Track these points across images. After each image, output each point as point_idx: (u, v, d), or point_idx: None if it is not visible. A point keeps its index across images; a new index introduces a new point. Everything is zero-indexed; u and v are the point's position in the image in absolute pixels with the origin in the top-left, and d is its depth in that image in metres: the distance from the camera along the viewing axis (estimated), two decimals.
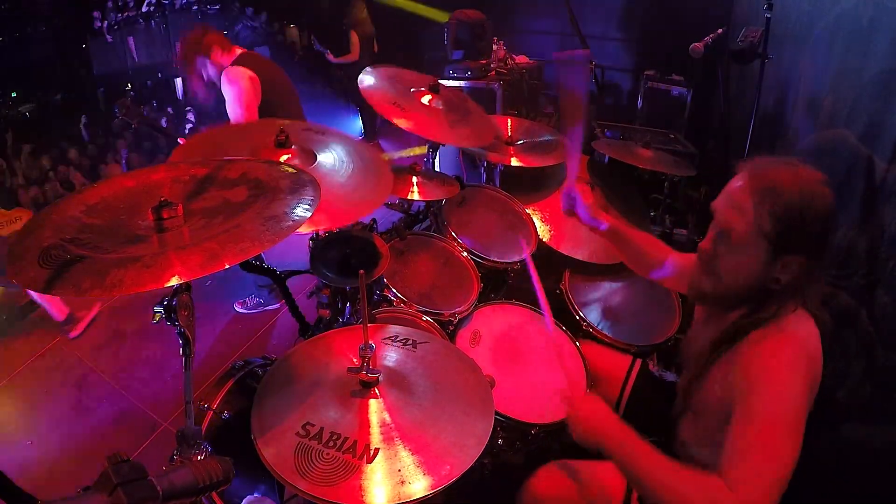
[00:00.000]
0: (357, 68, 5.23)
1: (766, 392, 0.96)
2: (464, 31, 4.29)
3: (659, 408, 1.47)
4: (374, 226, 1.89)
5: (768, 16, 2.09)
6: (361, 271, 1.08)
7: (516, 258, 2.01)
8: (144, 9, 6.61)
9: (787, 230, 1.00)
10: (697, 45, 2.42)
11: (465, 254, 1.95)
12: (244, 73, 2.43)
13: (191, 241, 0.92)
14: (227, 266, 0.86)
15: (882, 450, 1.42)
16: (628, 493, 1.26)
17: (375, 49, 5.60)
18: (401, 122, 1.89)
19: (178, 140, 2.51)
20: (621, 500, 1.26)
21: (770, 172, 1.03)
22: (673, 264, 1.49)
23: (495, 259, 1.97)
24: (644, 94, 3.77)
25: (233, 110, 2.43)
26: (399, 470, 0.96)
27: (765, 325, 1.04)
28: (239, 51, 2.57)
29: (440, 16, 4.35)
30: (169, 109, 6.01)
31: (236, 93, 2.41)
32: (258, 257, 2.77)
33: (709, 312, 1.27)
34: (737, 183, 1.07)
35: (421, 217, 2.31)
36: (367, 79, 2.02)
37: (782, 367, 0.97)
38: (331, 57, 5.50)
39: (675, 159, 2.53)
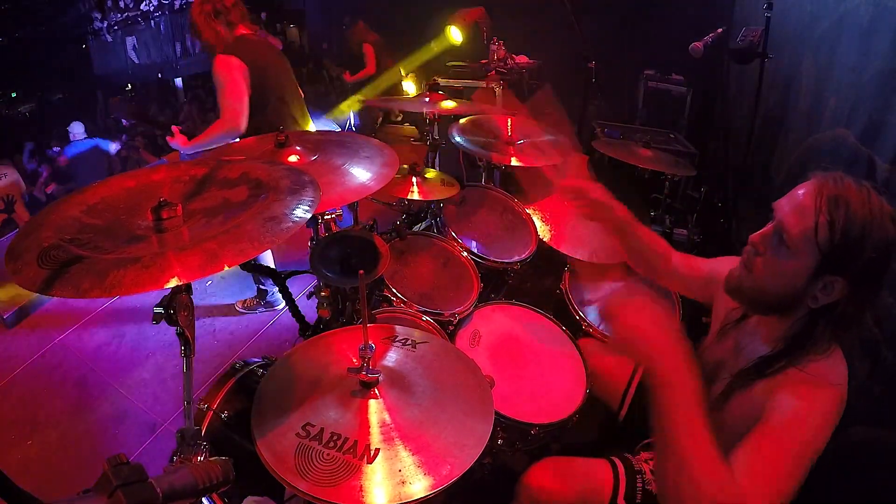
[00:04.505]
0: (372, 80, 5.20)
1: (795, 426, 0.96)
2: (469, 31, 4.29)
3: None
4: (374, 226, 1.89)
5: (768, 15, 2.09)
6: (361, 271, 1.08)
7: (516, 258, 2.00)
8: (144, 8, 6.59)
9: (841, 246, 0.95)
10: (697, 45, 2.42)
11: (465, 254, 1.95)
12: (233, 62, 2.37)
13: (190, 241, 0.92)
14: (226, 267, 0.86)
15: (891, 451, 1.41)
16: (615, 490, 1.30)
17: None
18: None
19: (172, 129, 2.47)
20: (609, 496, 1.29)
21: (842, 186, 0.98)
22: (677, 265, 1.48)
23: (495, 259, 1.97)
24: (644, 94, 3.77)
25: (222, 101, 2.39)
26: (399, 470, 0.95)
27: (804, 366, 1.02)
28: (241, 31, 2.49)
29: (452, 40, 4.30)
30: (167, 111, 6.00)
31: (225, 84, 2.37)
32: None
33: (724, 325, 1.26)
34: (805, 187, 1.03)
35: (421, 217, 2.31)
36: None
37: (816, 413, 0.98)
38: (347, 77, 5.41)
39: (675, 159, 2.53)
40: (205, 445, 1.04)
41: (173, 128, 2.49)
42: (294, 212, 1.00)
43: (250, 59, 2.41)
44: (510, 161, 2.19)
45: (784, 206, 1.04)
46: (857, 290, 0.98)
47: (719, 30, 2.57)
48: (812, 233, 0.97)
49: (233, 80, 2.36)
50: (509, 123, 2.43)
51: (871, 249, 0.95)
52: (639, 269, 1.57)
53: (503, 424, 1.48)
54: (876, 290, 1.01)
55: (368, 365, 1.09)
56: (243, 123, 2.39)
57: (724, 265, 1.21)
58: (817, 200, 0.98)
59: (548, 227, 2.18)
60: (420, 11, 5.25)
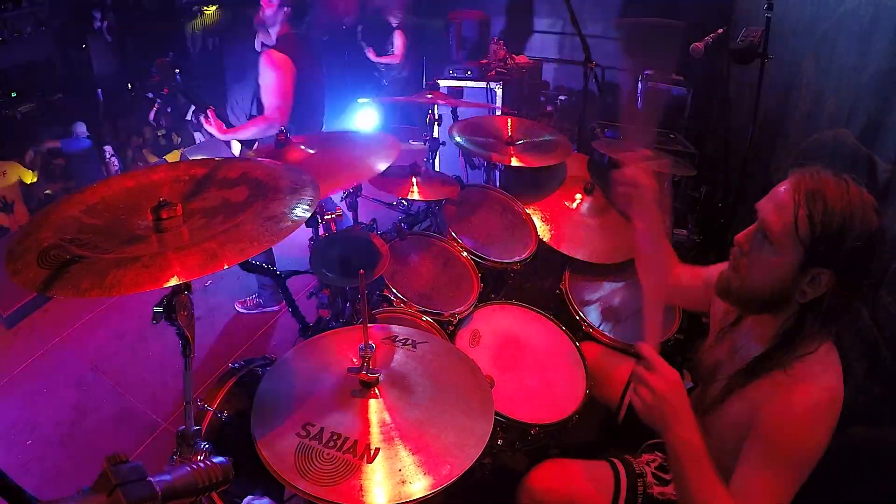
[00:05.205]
0: (397, 70, 5.15)
1: (791, 444, 0.99)
2: (470, 31, 4.30)
3: None
4: (374, 226, 1.89)
5: (768, 16, 2.09)
6: (361, 271, 1.08)
7: (516, 258, 2.00)
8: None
9: (823, 239, 0.97)
10: (697, 45, 2.42)
11: (465, 254, 1.95)
12: (284, 60, 2.38)
13: (190, 241, 0.92)
14: (226, 266, 0.86)
15: (891, 451, 1.41)
16: (616, 494, 1.30)
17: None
18: None
19: (208, 111, 2.44)
20: (610, 499, 1.29)
21: (819, 180, 1.01)
22: (679, 276, 1.47)
23: (495, 259, 1.97)
24: (644, 94, 3.77)
25: (269, 97, 2.40)
26: (399, 470, 0.96)
27: (790, 366, 1.03)
28: (285, 30, 2.49)
29: None
30: (168, 110, 5.98)
31: (276, 81, 2.37)
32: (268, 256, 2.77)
33: (721, 328, 1.26)
34: (784, 184, 1.05)
35: (421, 217, 2.31)
36: None
37: (809, 421, 0.99)
38: (371, 54, 5.31)
39: (675, 159, 2.53)
40: (205, 445, 1.04)
41: (210, 111, 2.46)
42: (293, 211, 1.00)
43: (297, 58, 2.43)
44: (510, 161, 2.19)
45: (765, 205, 1.07)
46: (843, 280, 1.00)
47: (719, 30, 2.57)
48: (793, 227, 0.99)
49: (281, 77, 2.38)
50: (509, 123, 2.43)
51: (854, 239, 0.96)
52: (645, 277, 1.56)
53: (503, 424, 1.48)
54: (862, 279, 1.03)
55: (368, 365, 1.09)
56: (286, 120, 2.41)
57: (720, 270, 1.21)
58: (795, 195, 1.00)
59: (548, 227, 2.17)
60: (421, 10, 5.24)
